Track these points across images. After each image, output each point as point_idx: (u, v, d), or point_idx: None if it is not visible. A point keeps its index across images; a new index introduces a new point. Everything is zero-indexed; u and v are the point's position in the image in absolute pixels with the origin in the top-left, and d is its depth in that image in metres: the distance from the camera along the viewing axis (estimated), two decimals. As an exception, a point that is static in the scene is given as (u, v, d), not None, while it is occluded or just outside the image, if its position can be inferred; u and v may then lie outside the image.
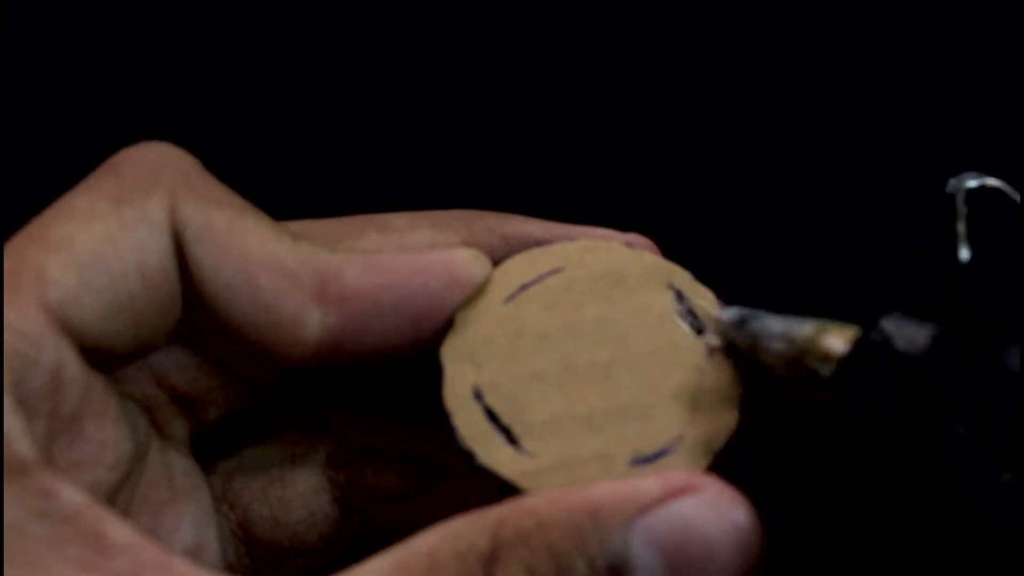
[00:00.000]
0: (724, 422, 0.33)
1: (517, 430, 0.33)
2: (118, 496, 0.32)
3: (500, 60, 0.54)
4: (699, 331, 0.33)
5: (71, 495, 0.29)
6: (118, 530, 0.28)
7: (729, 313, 0.32)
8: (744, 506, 0.28)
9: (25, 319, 0.30)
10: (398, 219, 0.35)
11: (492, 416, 0.33)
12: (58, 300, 0.30)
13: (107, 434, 0.32)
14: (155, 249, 0.31)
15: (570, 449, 0.31)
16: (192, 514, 0.33)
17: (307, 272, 0.32)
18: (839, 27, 0.54)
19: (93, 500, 0.29)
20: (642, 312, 0.34)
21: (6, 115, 0.53)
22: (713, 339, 0.33)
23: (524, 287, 0.35)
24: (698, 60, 0.53)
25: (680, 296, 0.34)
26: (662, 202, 0.53)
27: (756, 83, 0.53)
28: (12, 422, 0.29)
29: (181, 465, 0.34)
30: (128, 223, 0.31)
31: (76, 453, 0.31)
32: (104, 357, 0.32)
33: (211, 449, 0.36)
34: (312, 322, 0.32)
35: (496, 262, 0.34)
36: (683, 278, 0.34)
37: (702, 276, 0.35)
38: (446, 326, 0.34)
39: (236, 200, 0.33)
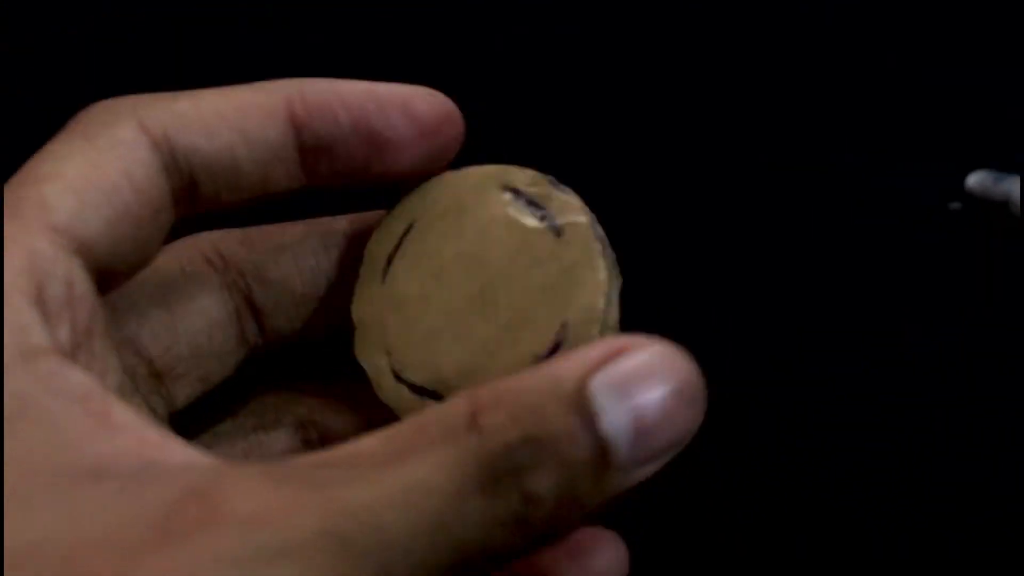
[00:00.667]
0: (596, 286, 0.33)
1: (439, 390, 0.34)
2: None
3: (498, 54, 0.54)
4: (543, 217, 0.34)
5: (81, 377, 0.30)
6: (124, 412, 0.30)
7: (982, 174, 0.33)
8: (684, 353, 0.31)
9: (36, 239, 0.32)
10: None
11: (415, 390, 0.35)
12: (63, 222, 0.32)
13: (110, 361, 0.33)
14: (136, 159, 0.33)
15: (483, 382, 0.32)
16: None
17: (276, 100, 0.35)
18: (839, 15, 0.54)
19: (101, 385, 0.31)
20: (488, 228, 0.34)
21: (7, 115, 0.53)
22: (562, 217, 0.34)
23: (390, 260, 0.35)
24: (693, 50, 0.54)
25: (516, 192, 0.34)
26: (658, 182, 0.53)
27: (755, 61, 0.53)
28: (27, 315, 0.31)
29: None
30: (104, 148, 0.33)
31: (92, 368, 0.33)
32: (110, 275, 0.34)
33: (184, 428, 0.37)
34: (289, 144, 0.34)
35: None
36: (517, 176, 0.35)
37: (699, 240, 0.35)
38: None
39: (188, 93, 0.35)
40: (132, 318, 0.36)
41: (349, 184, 0.36)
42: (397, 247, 0.36)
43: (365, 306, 0.36)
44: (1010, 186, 0.34)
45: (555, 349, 0.34)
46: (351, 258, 0.37)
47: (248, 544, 0.28)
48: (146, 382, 0.36)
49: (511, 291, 0.34)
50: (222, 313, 0.37)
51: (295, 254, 0.37)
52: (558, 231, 0.34)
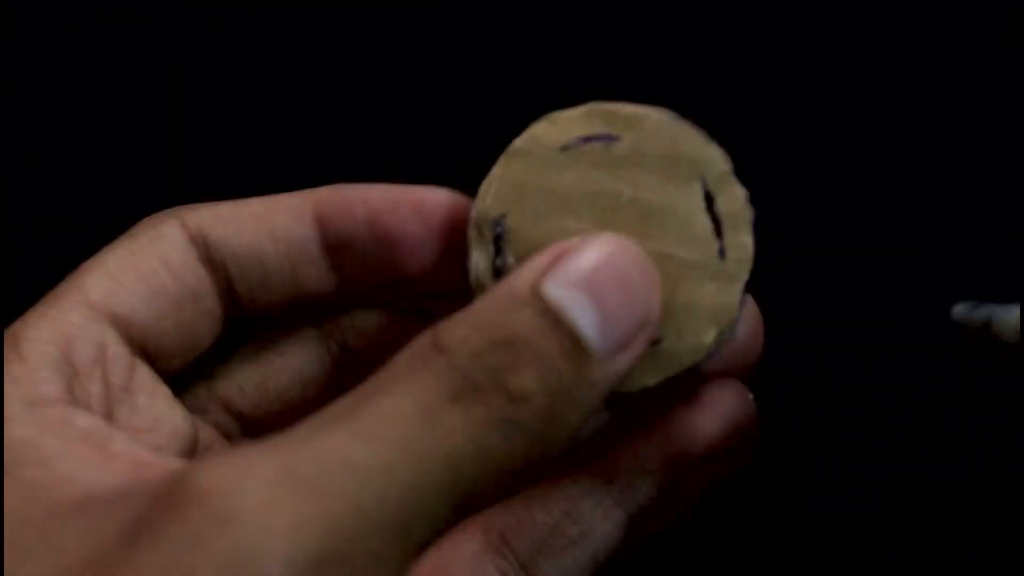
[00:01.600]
0: (729, 298, 0.34)
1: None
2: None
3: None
4: (718, 233, 0.34)
5: (86, 419, 0.32)
6: (124, 442, 0.32)
7: (962, 307, 0.34)
8: (621, 239, 0.32)
9: (68, 310, 0.34)
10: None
11: (499, 255, 0.34)
12: (97, 298, 0.34)
13: (160, 410, 0.35)
14: (173, 247, 0.35)
15: None
16: None
17: (305, 200, 0.36)
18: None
19: (107, 424, 0.32)
20: (674, 203, 0.34)
21: (7, 115, 0.53)
22: (730, 240, 0.34)
23: (584, 140, 0.34)
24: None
25: (709, 196, 0.34)
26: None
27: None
28: (41, 371, 0.32)
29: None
30: (145, 241, 0.35)
31: (135, 420, 0.34)
32: (160, 352, 0.35)
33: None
34: (313, 240, 0.36)
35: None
36: (717, 170, 0.34)
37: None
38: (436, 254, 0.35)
39: (235, 201, 0.36)
40: (221, 376, 0.37)
41: (378, 290, 0.36)
42: (594, 138, 0.35)
43: (524, 148, 0.35)
44: (988, 309, 0.34)
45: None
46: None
47: (205, 520, 0.27)
48: (238, 439, 0.37)
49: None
50: (317, 368, 0.37)
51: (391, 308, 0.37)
52: (721, 254, 0.34)
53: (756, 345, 0.35)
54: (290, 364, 0.37)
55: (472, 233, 0.34)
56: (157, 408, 0.35)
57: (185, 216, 0.35)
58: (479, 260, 0.34)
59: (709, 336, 0.33)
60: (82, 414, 0.32)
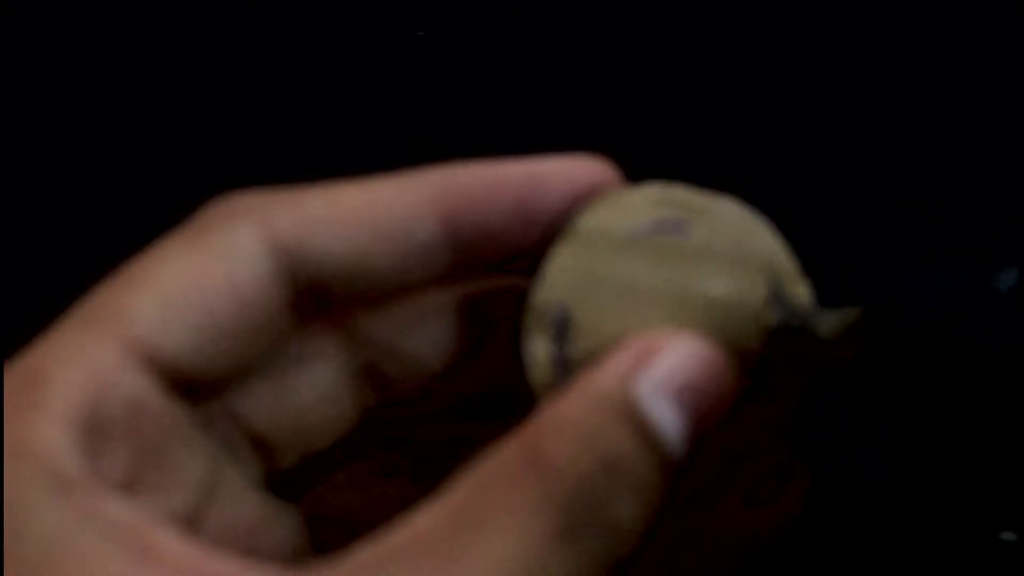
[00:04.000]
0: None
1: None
2: (199, 517, 0.32)
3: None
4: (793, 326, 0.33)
5: (119, 509, 0.28)
6: (164, 541, 0.28)
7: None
8: (703, 341, 0.30)
9: (103, 352, 0.30)
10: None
11: (562, 349, 0.32)
12: (142, 333, 0.30)
13: (186, 460, 0.31)
14: (246, 267, 0.31)
15: None
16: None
17: (421, 196, 0.32)
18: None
19: (139, 512, 0.28)
20: (743, 300, 0.33)
21: (8, 115, 0.53)
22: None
23: (653, 230, 0.33)
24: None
25: (777, 293, 0.33)
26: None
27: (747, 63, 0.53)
28: (60, 441, 0.28)
29: (253, 500, 0.34)
30: (213, 253, 0.31)
31: (160, 478, 0.31)
32: (199, 385, 0.31)
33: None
34: (438, 241, 0.32)
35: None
36: (784, 269, 0.33)
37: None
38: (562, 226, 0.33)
39: (321, 190, 0.32)
40: (235, 389, 0.33)
41: (492, 270, 0.33)
42: (666, 225, 0.33)
43: (594, 225, 0.32)
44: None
45: None
46: (487, 325, 0.34)
47: None
48: (244, 450, 0.33)
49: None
50: (336, 385, 0.34)
51: (428, 326, 0.34)
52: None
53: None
54: (310, 381, 0.33)
55: (531, 320, 0.32)
56: (183, 460, 0.31)
57: (266, 218, 0.31)
58: (539, 350, 0.32)
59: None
60: (111, 499, 0.28)
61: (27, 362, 0.29)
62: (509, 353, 0.33)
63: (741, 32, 0.54)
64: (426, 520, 0.27)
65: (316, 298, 0.32)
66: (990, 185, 0.50)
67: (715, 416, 0.30)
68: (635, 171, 0.42)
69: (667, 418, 0.29)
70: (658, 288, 0.32)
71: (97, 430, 0.29)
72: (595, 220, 0.32)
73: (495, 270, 0.33)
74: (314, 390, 0.33)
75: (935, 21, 0.53)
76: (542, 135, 0.54)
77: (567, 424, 0.28)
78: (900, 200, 0.52)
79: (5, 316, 0.47)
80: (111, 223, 0.51)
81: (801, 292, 0.33)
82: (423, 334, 0.33)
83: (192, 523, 0.31)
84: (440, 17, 0.54)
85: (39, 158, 0.53)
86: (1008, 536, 0.45)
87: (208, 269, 0.30)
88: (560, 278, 0.32)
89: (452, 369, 0.34)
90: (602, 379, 0.29)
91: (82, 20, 0.54)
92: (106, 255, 0.35)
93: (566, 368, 0.32)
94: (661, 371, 0.29)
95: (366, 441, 0.35)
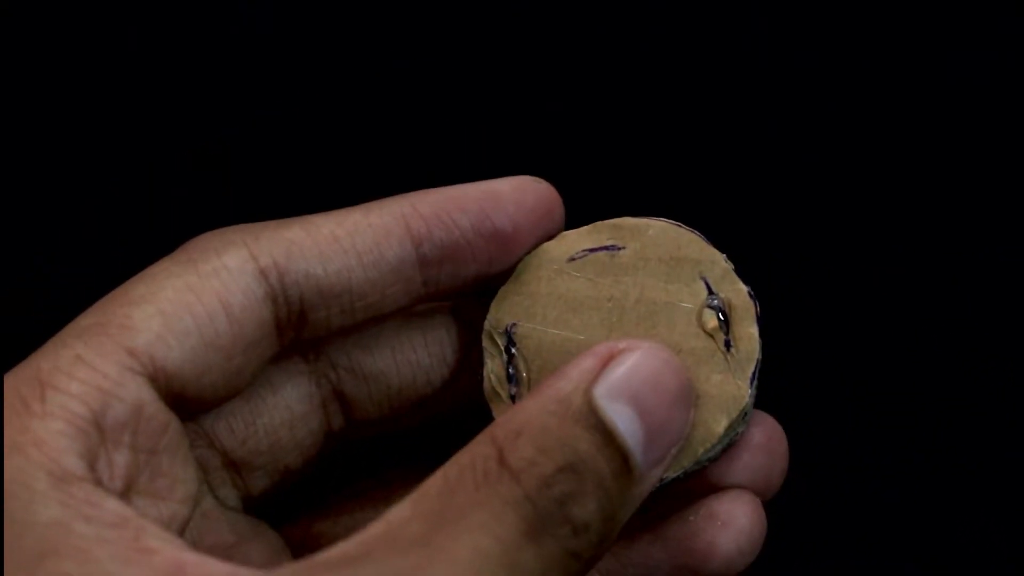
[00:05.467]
0: (734, 402, 0.34)
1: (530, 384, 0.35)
2: (185, 528, 0.33)
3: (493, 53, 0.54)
4: (724, 327, 0.34)
5: (115, 505, 0.29)
6: (159, 537, 0.29)
7: None
8: (658, 346, 0.32)
9: (108, 361, 0.31)
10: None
11: (511, 363, 0.35)
12: (143, 346, 0.31)
13: (178, 473, 0.33)
14: (238, 288, 0.33)
15: None
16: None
17: (391, 218, 0.34)
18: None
19: (135, 512, 0.30)
20: (679, 301, 0.35)
21: (8, 115, 0.53)
22: (736, 333, 0.35)
23: (590, 251, 0.36)
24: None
25: (711, 290, 0.35)
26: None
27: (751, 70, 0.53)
28: (60, 441, 0.30)
29: (232, 519, 0.35)
30: (206, 274, 0.32)
31: (155, 485, 0.32)
32: (190, 401, 0.33)
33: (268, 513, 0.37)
34: (408, 259, 0.34)
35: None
36: (719, 269, 0.35)
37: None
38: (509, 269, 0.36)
39: (299, 219, 0.34)
40: (209, 411, 0.35)
41: (465, 292, 0.35)
42: (599, 248, 0.36)
43: (533, 263, 0.36)
44: None
45: None
46: (452, 345, 0.36)
47: None
48: (219, 473, 0.35)
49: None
50: (306, 406, 0.36)
51: (393, 347, 0.36)
52: (729, 345, 0.35)
53: (776, 462, 0.35)
54: (281, 402, 0.35)
55: (485, 342, 0.35)
56: (176, 470, 0.32)
57: (253, 244, 0.33)
58: (492, 367, 0.35)
59: (720, 425, 0.34)
60: (109, 497, 0.29)
61: (29, 368, 0.31)
62: (473, 375, 0.36)
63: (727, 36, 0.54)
64: (399, 513, 0.29)
65: (293, 323, 0.34)
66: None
67: (672, 417, 0.31)
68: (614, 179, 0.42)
69: (624, 419, 0.30)
70: (595, 299, 0.35)
71: (97, 435, 0.30)
72: (539, 253, 0.36)
73: (461, 297, 0.36)
74: (284, 412, 0.35)
75: (935, 21, 0.53)
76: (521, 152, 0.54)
77: (530, 427, 0.30)
78: (883, 197, 0.53)
79: (6, 324, 0.47)
80: (111, 223, 0.51)
81: (739, 288, 0.35)
82: (391, 358, 0.36)
83: (180, 533, 0.32)
84: (430, 30, 0.54)
85: (39, 158, 0.53)
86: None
87: (202, 288, 0.32)
88: (508, 302, 0.36)
89: (419, 392, 0.36)
90: (561, 384, 0.31)
91: (82, 20, 0.54)
92: (107, 256, 0.36)
93: (517, 382, 0.35)
94: (617, 375, 0.31)
95: (338, 466, 0.37)
